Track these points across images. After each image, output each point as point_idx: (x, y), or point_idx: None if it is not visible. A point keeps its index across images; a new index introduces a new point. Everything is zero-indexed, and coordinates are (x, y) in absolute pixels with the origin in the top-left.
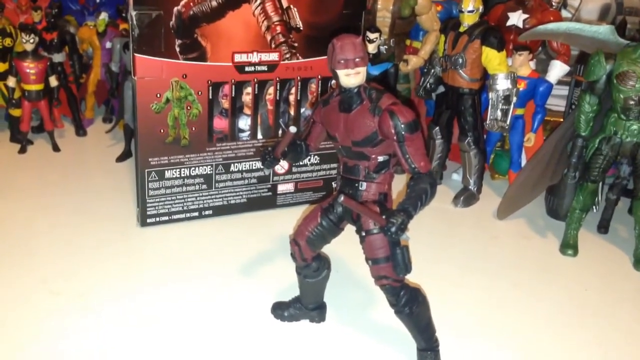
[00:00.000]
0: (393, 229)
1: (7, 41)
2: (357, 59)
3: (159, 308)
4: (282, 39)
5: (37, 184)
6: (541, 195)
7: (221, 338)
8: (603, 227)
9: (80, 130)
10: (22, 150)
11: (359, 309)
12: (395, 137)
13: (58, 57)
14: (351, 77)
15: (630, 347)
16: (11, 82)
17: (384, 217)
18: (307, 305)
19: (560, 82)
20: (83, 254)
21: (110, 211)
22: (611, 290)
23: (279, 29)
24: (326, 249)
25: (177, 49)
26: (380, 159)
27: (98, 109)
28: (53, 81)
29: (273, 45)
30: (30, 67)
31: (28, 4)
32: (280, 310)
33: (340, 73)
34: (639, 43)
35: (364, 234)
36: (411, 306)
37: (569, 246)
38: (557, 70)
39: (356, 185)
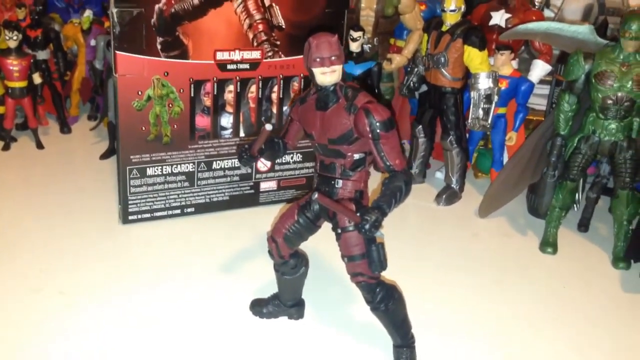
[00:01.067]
0: (367, 226)
1: None
2: (332, 57)
3: (141, 307)
4: (264, 37)
5: (21, 181)
6: (523, 193)
7: (202, 334)
8: (583, 226)
9: (65, 128)
10: (6, 148)
11: (337, 305)
12: (370, 135)
13: (42, 55)
14: (327, 75)
15: (606, 342)
16: None
17: (358, 214)
18: (286, 302)
19: (541, 81)
20: (66, 253)
21: (93, 208)
22: (590, 287)
23: (261, 27)
24: (304, 246)
25: (159, 47)
26: (356, 156)
27: (83, 106)
28: (37, 78)
29: (255, 44)
30: (13, 64)
31: (12, 1)
32: (259, 307)
33: (316, 71)
34: (618, 43)
35: (339, 231)
36: (387, 303)
37: (548, 244)
38: (539, 69)
39: (332, 182)
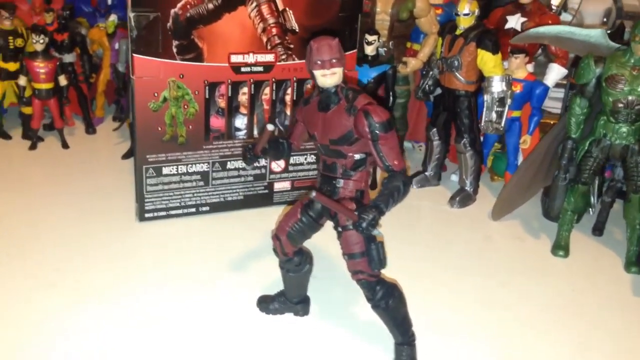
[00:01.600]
0: (364, 225)
1: (19, 41)
2: (333, 60)
3: (156, 304)
4: (277, 41)
5: (45, 179)
6: (537, 197)
7: (210, 329)
8: (598, 230)
9: (90, 129)
10: (33, 147)
11: (341, 303)
12: (369, 136)
13: (69, 58)
14: (327, 78)
15: (610, 346)
16: (22, 80)
17: (356, 213)
18: (291, 299)
19: (556, 85)
20: (83, 249)
21: (112, 206)
22: (599, 291)
23: (274, 31)
24: (310, 244)
25: (174, 50)
26: (357, 157)
27: (108, 107)
28: (62, 80)
29: (269, 47)
30: (40, 66)
31: (42, 5)
32: (266, 303)
33: (317, 74)
34: (629, 47)
35: (340, 229)
36: (387, 301)
37: (560, 247)
38: (555, 73)
39: (334, 182)
